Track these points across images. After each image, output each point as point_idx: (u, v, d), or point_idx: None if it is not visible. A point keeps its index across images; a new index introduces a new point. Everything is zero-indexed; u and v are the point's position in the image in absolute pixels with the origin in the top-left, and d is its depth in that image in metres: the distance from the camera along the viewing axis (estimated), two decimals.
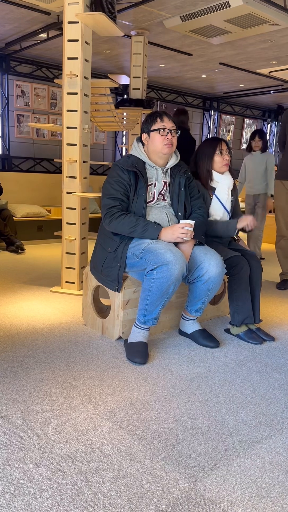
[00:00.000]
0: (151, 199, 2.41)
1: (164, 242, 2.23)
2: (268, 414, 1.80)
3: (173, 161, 2.47)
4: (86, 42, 3.20)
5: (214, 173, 2.69)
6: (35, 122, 6.69)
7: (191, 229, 2.26)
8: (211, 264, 2.31)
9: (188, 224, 2.25)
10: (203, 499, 1.31)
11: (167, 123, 2.37)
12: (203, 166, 2.70)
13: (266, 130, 10.48)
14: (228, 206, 2.73)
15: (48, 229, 5.79)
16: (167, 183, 2.45)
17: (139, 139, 2.46)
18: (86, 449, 1.53)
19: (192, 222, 2.27)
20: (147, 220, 2.29)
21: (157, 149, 2.38)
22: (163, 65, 6.60)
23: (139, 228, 2.24)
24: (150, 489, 1.34)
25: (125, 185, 2.32)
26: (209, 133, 9.28)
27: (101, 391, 1.92)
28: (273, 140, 10.47)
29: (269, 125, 10.45)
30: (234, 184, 2.77)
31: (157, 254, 2.15)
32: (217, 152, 2.66)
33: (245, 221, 2.60)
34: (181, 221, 2.30)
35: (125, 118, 5.30)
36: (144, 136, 2.41)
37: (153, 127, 2.36)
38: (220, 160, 2.66)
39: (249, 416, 1.77)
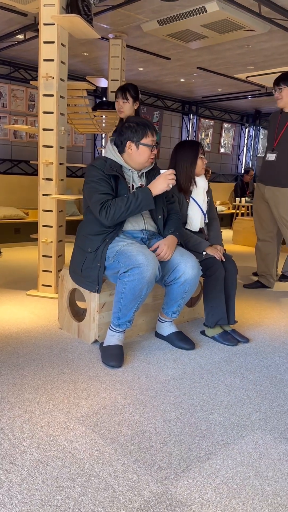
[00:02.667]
0: None
1: (138, 245, 2.23)
2: (241, 415, 1.81)
3: (149, 167, 2.48)
4: (62, 44, 3.19)
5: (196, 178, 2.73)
6: (13, 124, 6.62)
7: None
8: (187, 267, 2.33)
9: (171, 171, 2.33)
10: (174, 502, 1.31)
11: (154, 138, 2.38)
12: (186, 171, 2.71)
13: (244, 135, 10.62)
14: (204, 207, 2.76)
15: (25, 232, 5.73)
16: (144, 186, 2.46)
17: (114, 142, 2.44)
18: (58, 454, 1.51)
19: (172, 171, 2.34)
20: (134, 193, 2.29)
21: (141, 161, 2.38)
22: (141, 69, 6.62)
23: (132, 200, 2.24)
24: (122, 493, 1.34)
25: (109, 183, 2.32)
26: (188, 136, 9.34)
27: (75, 395, 1.90)
28: (251, 144, 10.62)
29: (247, 130, 10.59)
30: (209, 185, 2.80)
31: (129, 256, 2.15)
32: (200, 156, 2.69)
33: (216, 252, 2.62)
34: (161, 171, 2.35)
35: (104, 121, 5.30)
36: (130, 144, 2.35)
37: (144, 141, 2.34)
38: (201, 163, 2.70)
39: (222, 418, 1.78)
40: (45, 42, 3.15)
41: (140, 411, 1.80)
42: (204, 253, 2.62)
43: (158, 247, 2.34)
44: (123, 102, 3.54)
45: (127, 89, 3.55)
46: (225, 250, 2.73)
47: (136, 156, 2.37)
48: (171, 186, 2.33)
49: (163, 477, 1.42)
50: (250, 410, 1.86)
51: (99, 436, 1.62)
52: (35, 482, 1.36)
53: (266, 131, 10.40)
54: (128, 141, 2.35)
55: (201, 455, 1.54)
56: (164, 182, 2.30)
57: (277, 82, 3.50)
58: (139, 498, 1.32)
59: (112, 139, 2.46)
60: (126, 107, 3.55)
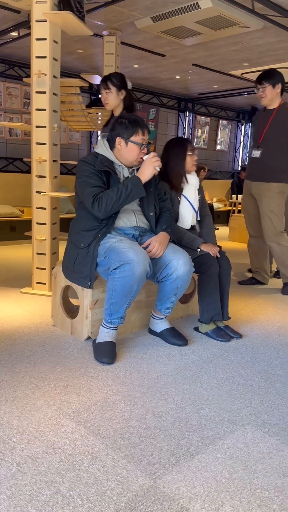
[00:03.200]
0: None
1: (129, 241, 2.23)
2: (232, 410, 1.82)
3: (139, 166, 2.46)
4: (55, 41, 3.18)
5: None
6: (8, 121, 6.61)
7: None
8: (179, 263, 2.33)
9: (152, 153, 2.32)
10: (162, 496, 1.31)
11: (146, 136, 2.36)
12: (177, 168, 2.71)
13: (241, 132, 10.62)
14: (196, 205, 2.76)
15: (21, 230, 5.72)
16: None
17: (106, 138, 2.44)
18: (47, 449, 1.51)
19: (153, 153, 2.33)
20: (124, 182, 2.29)
21: (129, 159, 2.37)
22: (136, 66, 6.61)
23: (123, 189, 2.24)
24: (110, 488, 1.34)
25: (101, 178, 2.32)
26: (184, 134, 9.34)
27: (66, 392, 1.91)
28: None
29: (243, 126, 10.59)
30: (200, 183, 2.81)
31: (120, 253, 2.15)
32: (188, 152, 2.69)
33: (210, 249, 2.63)
34: (144, 157, 2.34)
35: (99, 118, 5.29)
36: (119, 140, 2.34)
37: (134, 139, 2.32)
38: (190, 160, 2.70)
39: (213, 413, 1.79)
40: (37, 39, 3.14)
41: (131, 407, 1.80)
42: (199, 250, 2.62)
43: (149, 244, 2.34)
44: (106, 92, 3.27)
45: (109, 78, 3.26)
46: (220, 247, 2.73)
47: (125, 152, 2.36)
48: (158, 169, 2.32)
49: (152, 471, 1.42)
50: (241, 405, 1.86)
51: (89, 431, 1.62)
52: (24, 478, 1.37)
53: None
54: (118, 137, 2.34)
55: (191, 449, 1.55)
56: (150, 166, 2.30)
57: (260, 80, 3.48)
58: (127, 493, 1.32)
59: (104, 135, 2.46)
60: (111, 98, 3.27)
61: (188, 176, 2.73)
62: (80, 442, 1.56)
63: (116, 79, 3.23)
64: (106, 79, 3.23)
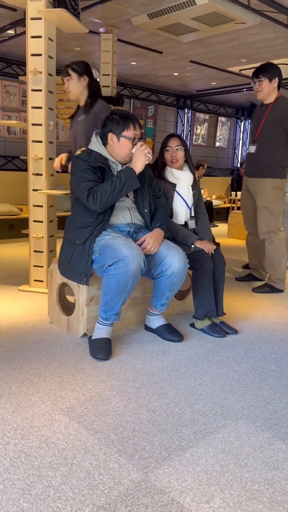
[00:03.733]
0: None
1: (123, 238, 2.24)
2: (225, 404, 1.83)
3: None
4: (50, 39, 3.19)
5: (173, 170, 2.74)
6: (6, 120, 6.61)
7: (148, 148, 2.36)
8: (174, 259, 2.34)
9: (140, 143, 2.34)
10: (153, 489, 1.33)
11: (138, 131, 2.37)
12: (159, 160, 2.81)
13: (240, 128, 10.60)
14: (190, 201, 2.77)
15: (19, 228, 5.73)
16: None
17: (99, 134, 2.45)
18: (41, 444, 1.53)
19: (140, 143, 2.34)
20: (116, 175, 2.31)
21: (122, 154, 2.38)
22: (134, 63, 6.61)
23: (117, 181, 2.26)
24: (102, 481, 1.35)
25: (96, 173, 2.33)
26: (183, 131, 9.33)
27: (61, 388, 1.92)
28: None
29: (242, 123, 10.57)
30: (195, 179, 2.82)
31: (114, 250, 2.16)
32: (165, 148, 2.75)
33: (205, 245, 2.64)
34: (133, 150, 2.34)
35: None
36: (111, 136, 2.35)
37: (125, 133, 2.33)
38: (168, 157, 2.75)
39: (206, 407, 1.80)
40: (32, 37, 3.15)
41: (125, 402, 1.81)
42: (193, 246, 2.63)
43: (144, 241, 2.35)
44: (67, 80, 3.14)
45: (69, 65, 3.15)
46: (218, 244, 2.74)
47: (117, 148, 2.37)
48: (150, 156, 2.33)
49: (144, 465, 1.44)
50: (234, 399, 1.87)
51: (83, 426, 1.64)
52: (17, 472, 1.38)
53: None
54: (110, 133, 2.36)
55: (183, 444, 1.56)
56: (140, 156, 2.31)
57: (257, 74, 3.45)
58: (118, 486, 1.34)
59: (97, 132, 2.47)
60: (72, 85, 3.14)
61: (179, 172, 2.75)
62: (73, 437, 1.57)
63: (77, 65, 3.15)
64: (66, 66, 3.15)
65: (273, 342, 2.52)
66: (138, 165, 2.32)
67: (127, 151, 2.36)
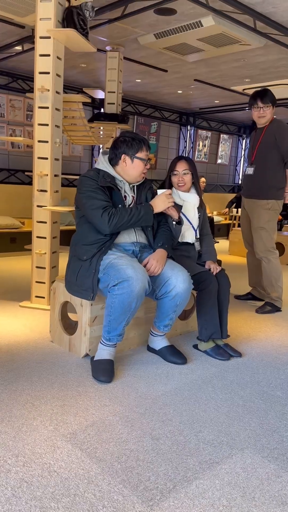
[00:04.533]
0: None
1: (128, 258, 2.23)
2: (230, 433, 1.79)
3: (141, 181, 2.52)
4: (58, 57, 3.21)
5: (180, 192, 2.75)
6: (11, 134, 6.65)
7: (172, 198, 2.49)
8: (178, 280, 2.32)
9: (168, 191, 2.47)
10: None
11: (148, 152, 2.45)
12: (166, 182, 2.83)
13: (241, 146, 10.68)
14: (195, 223, 2.77)
15: (21, 241, 5.72)
16: (134, 198, 2.48)
17: (106, 154, 2.46)
18: (43, 472, 1.49)
19: (169, 191, 2.47)
20: (136, 207, 2.38)
21: (135, 175, 2.44)
22: (139, 80, 6.67)
23: (136, 212, 2.33)
24: None
25: (105, 193, 2.35)
26: (185, 147, 9.39)
27: (63, 412, 1.88)
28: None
29: (244, 141, 10.66)
30: (201, 201, 2.82)
31: (119, 269, 2.14)
32: (172, 173, 2.76)
33: (213, 268, 2.68)
34: (159, 191, 2.48)
35: (101, 133, 5.33)
36: (124, 157, 2.40)
37: (139, 155, 2.40)
38: (175, 180, 2.76)
39: (211, 436, 1.77)
40: (41, 55, 3.17)
41: (128, 429, 1.78)
42: (174, 222, 2.58)
43: (148, 262, 2.34)
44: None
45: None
46: (220, 261, 2.75)
47: (130, 169, 2.41)
48: (172, 205, 2.46)
49: (149, 498, 1.40)
50: (239, 428, 1.84)
51: (86, 454, 1.60)
52: (19, 503, 1.34)
53: None
54: (123, 154, 2.39)
55: (188, 475, 1.52)
56: (164, 202, 2.44)
57: (263, 99, 3.45)
58: None
59: (104, 151, 2.49)
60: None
61: (185, 194, 2.76)
62: (76, 465, 1.54)
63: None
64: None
65: (278, 367, 2.49)
66: (159, 207, 2.43)
67: (140, 171, 2.44)
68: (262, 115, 3.49)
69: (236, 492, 1.45)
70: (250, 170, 3.65)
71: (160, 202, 2.43)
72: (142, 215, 2.34)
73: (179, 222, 2.62)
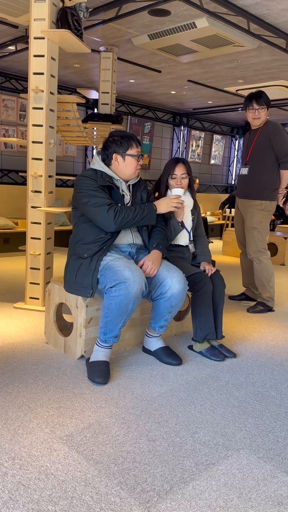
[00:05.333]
0: None
1: (125, 260, 2.24)
2: (226, 434, 1.80)
3: (136, 179, 2.51)
4: (52, 58, 3.21)
5: (170, 194, 2.75)
6: (3, 134, 6.62)
7: (181, 201, 2.53)
8: (174, 281, 2.33)
9: (178, 196, 2.52)
10: None
11: (139, 148, 2.44)
12: (161, 185, 2.80)
13: (235, 146, 10.72)
14: (189, 225, 2.78)
15: (15, 242, 5.70)
16: (131, 198, 2.49)
17: (100, 154, 2.46)
18: (40, 475, 1.49)
19: (180, 192, 2.55)
20: (140, 207, 2.39)
21: (129, 172, 2.43)
22: (133, 81, 6.67)
23: (140, 211, 2.35)
24: None
25: (106, 192, 2.36)
26: (178, 147, 9.41)
27: (59, 414, 1.88)
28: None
29: (237, 141, 10.70)
30: (195, 203, 2.83)
31: (116, 271, 2.15)
32: (171, 176, 2.75)
33: (208, 269, 2.69)
34: (171, 192, 2.57)
35: (95, 133, 5.32)
36: (116, 157, 2.39)
37: (130, 152, 2.39)
38: (173, 183, 2.74)
39: (207, 437, 1.77)
40: (35, 56, 3.17)
41: (124, 431, 1.78)
42: (179, 224, 2.66)
43: (143, 264, 2.34)
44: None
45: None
46: (214, 262, 2.76)
47: (124, 167, 2.41)
48: (177, 209, 2.53)
49: (146, 499, 1.40)
50: (235, 428, 1.85)
51: (83, 456, 1.60)
52: (16, 506, 1.34)
53: None
54: (114, 154, 2.39)
55: (185, 476, 1.53)
56: (168, 204, 2.47)
57: (258, 101, 3.47)
58: None
59: (99, 152, 2.49)
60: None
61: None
62: (73, 467, 1.54)
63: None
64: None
65: (272, 367, 2.51)
66: (162, 208, 2.47)
67: (133, 168, 2.43)
68: (257, 116, 3.51)
69: (233, 493, 1.46)
70: (244, 171, 3.67)
71: (165, 203, 2.47)
72: (146, 214, 2.37)
73: (182, 223, 2.69)
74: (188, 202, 2.77)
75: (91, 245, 2.34)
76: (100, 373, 2.20)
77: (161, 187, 2.78)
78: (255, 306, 3.66)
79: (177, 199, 2.49)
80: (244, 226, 3.70)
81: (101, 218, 2.29)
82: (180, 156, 9.39)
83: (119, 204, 2.36)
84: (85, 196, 2.33)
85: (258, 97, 3.49)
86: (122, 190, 2.46)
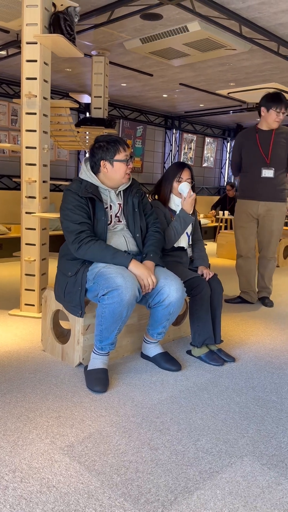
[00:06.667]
0: (109, 221, 2.39)
1: (116, 266, 2.19)
2: (229, 440, 1.79)
3: (126, 184, 2.45)
4: (45, 63, 3.19)
5: (174, 197, 2.74)
6: None
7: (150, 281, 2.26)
8: (172, 289, 2.30)
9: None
10: None
11: (128, 151, 2.37)
12: (165, 188, 2.76)
13: (226, 149, 10.76)
14: (189, 229, 2.77)
15: (8, 248, 5.65)
16: (121, 205, 2.44)
17: (88, 162, 2.41)
18: (41, 488, 1.46)
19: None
20: (116, 249, 2.25)
21: (118, 178, 2.36)
22: (124, 84, 6.67)
23: (110, 254, 2.20)
24: None
25: (85, 209, 2.28)
26: (171, 150, 9.42)
27: (59, 424, 1.85)
28: None
29: (228, 144, 10.73)
30: (194, 208, 2.81)
31: (108, 278, 2.12)
32: (176, 179, 2.71)
33: (205, 273, 2.69)
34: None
35: (87, 138, 5.30)
36: (104, 163, 2.33)
37: (118, 157, 2.32)
38: (177, 187, 2.71)
39: (210, 444, 1.76)
40: (27, 61, 3.14)
41: (126, 440, 1.76)
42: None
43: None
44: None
45: None
46: (208, 264, 2.76)
47: (112, 174, 2.35)
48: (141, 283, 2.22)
49: (151, 510, 1.38)
50: (237, 435, 1.83)
51: (84, 467, 1.57)
52: None
53: None
54: (102, 161, 2.33)
55: (189, 485, 1.51)
56: (141, 275, 2.20)
57: (286, 105, 3.51)
58: None
59: (87, 159, 2.44)
60: None
61: (179, 200, 2.73)
62: (75, 479, 1.51)
63: None
64: None
65: (272, 371, 2.50)
66: (134, 271, 2.20)
67: (123, 173, 2.35)
68: (279, 119, 3.54)
69: (238, 502, 1.44)
70: (268, 173, 3.63)
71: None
72: (115, 262, 2.18)
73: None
74: None
75: (74, 262, 2.31)
76: (99, 381, 2.18)
77: (163, 190, 2.75)
78: (268, 303, 3.89)
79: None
80: (264, 228, 3.73)
81: (68, 244, 2.27)
82: (174, 160, 9.41)
83: (87, 238, 2.20)
84: (62, 215, 2.30)
85: (287, 102, 3.53)
86: (111, 200, 2.40)
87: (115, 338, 2.24)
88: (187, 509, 1.39)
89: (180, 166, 2.72)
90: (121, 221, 2.43)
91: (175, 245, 2.73)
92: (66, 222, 2.27)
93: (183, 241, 2.75)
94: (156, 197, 2.80)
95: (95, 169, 2.37)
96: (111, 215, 2.39)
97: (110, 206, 2.40)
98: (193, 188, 2.77)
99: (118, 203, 2.42)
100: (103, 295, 2.13)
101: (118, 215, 2.42)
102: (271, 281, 3.96)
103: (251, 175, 3.70)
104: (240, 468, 1.62)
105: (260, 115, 3.62)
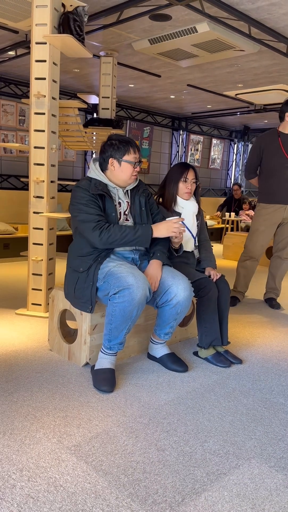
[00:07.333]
0: (119, 218, 2.40)
1: (128, 265, 2.20)
2: (236, 442, 1.78)
3: (134, 184, 2.47)
4: (54, 63, 3.19)
5: (179, 199, 2.72)
6: (3, 139, 6.61)
7: (183, 228, 2.39)
8: (179, 289, 2.30)
9: (181, 219, 2.39)
10: None
11: (137, 155, 2.39)
12: (169, 189, 2.74)
13: (233, 150, 10.73)
14: (194, 230, 2.76)
15: (15, 247, 5.67)
16: (129, 204, 2.45)
17: (97, 161, 2.43)
18: (49, 487, 1.46)
19: (182, 219, 2.42)
20: (133, 225, 2.31)
21: (124, 178, 2.38)
22: (132, 85, 6.67)
23: (131, 233, 2.25)
24: None
25: (97, 203, 2.32)
26: (177, 152, 9.41)
27: (66, 423, 1.85)
28: (240, 159, 10.73)
29: (235, 145, 10.71)
30: (200, 208, 2.81)
31: (119, 277, 2.12)
32: (182, 179, 2.70)
33: (213, 274, 2.68)
34: (168, 218, 2.40)
35: (95, 138, 5.31)
36: (112, 161, 2.35)
37: (126, 158, 2.34)
38: (183, 187, 2.70)
39: (217, 446, 1.75)
40: (36, 61, 3.15)
41: (133, 440, 1.75)
42: (173, 249, 2.57)
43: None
44: None
45: None
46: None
47: (119, 173, 2.37)
48: (177, 235, 2.36)
49: (158, 511, 1.38)
50: (245, 437, 1.82)
51: (92, 467, 1.57)
52: None
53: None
54: (111, 158, 2.35)
55: (196, 486, 1.50)
56: (168, 228, 2.33)
57: None
58: None
59: (95, 158, 2.46)
60: None
61: (184, 202, 2.73)
62: (82, 479, 1.51)
63: None
64: None
65: (279, 373, 2.48)
66: (160, 232, 2.33)
67: (129, 174, 2.37)
68: None
69: (246, 504, 1.43)
70: None
71: (163, 227, 2.33)
72: (138, 235, 2.27)
73: (177, 251, 2.60)
74: (193, 207, 2.75)
75: (86, 258, 2.32)
76: (106, 381, 2.18)
77: (169, 194, 2.74)
78: (275, 305, 3.91)
79: (179, 225, 2.34)
80: (286, 229, 3.81)
81: (87, 235, 2.27)
82: (181, 161, 9.39)
83: (106, 224, 2.26)
84: (75, 210, 2.31)
85: None
86: (119, 198, 2.42)
87: (124, 337, 2.24)
88: (194, 511, 1.39)
89: (184, 167, 2.71)
90: (128, 220, 2.44)
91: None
92: (81, 215, 2.28)
93: (189, 245, 2.74)
94: (160, 200, 2.79)
95: (104, 166, 2.40)
96: (120, 212, 2.40)
97: (119, 203, 2.41)
98: (197, 189, 2.77)
99: (126, 201, 2.44)
100: (114, 293, 2.13)
101: (126, 213, 2.43)
102: (281, 282, 3.99)
103: (276, 179, 3.66)
104: (248, 470, 1.61)
105: (282, 119, 3.60)
